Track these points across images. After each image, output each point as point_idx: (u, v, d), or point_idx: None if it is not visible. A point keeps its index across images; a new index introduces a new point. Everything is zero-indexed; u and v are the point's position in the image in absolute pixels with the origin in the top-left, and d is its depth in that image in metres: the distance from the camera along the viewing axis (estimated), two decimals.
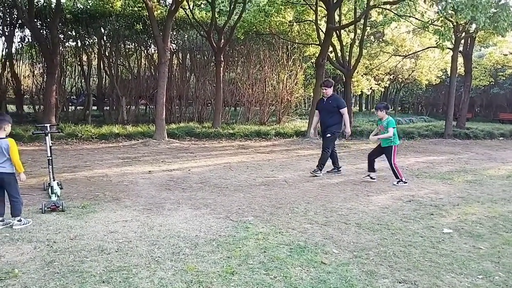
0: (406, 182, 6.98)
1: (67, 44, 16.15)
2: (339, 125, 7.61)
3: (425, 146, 13.53)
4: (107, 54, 16.11)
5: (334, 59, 16.76)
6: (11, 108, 16.35)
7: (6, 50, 14.84)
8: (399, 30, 20.60)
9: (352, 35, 17.42)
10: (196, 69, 17.27)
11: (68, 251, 3.68)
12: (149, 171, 7.71)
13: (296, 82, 18.29)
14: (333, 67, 18.83)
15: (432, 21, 13.98)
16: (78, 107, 17.64)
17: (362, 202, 5.71)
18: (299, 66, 18.24)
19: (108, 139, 12.14)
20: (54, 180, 5.57)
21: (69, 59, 16.33)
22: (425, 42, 21.19)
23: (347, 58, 16.75)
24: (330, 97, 7.64)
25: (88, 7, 16.14)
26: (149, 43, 16.69)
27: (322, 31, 15.02)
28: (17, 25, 14.83)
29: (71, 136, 11.86)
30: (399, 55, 22.46)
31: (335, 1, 13.78)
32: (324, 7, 14.37)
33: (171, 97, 16.22)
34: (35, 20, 13.51)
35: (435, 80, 26.28)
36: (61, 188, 5.76)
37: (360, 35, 16.22)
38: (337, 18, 15.65)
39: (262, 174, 7.77)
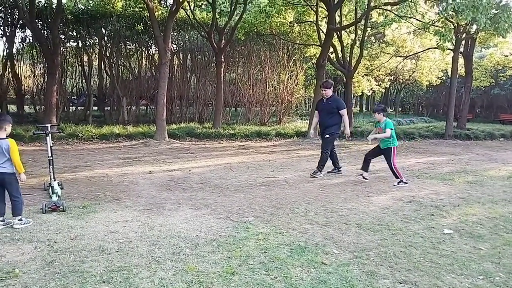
0: (406, 183, 6.97)
1: (68, 44, 16.19)
2: (338, 126, 7.61)
3: (425, 146, 13.53)
4: (108, 55, 16.12)
5: (335, 59, 16.77)
6: (12, 108, 16.37)
7: (7, 50, 14.87)
8: (400, 31, 20.61)
9: (352, 36, 17.43)
10: (197, 69, 17.28)
11: (68, 251, 3.69)
12: (150, 172, 7.71)
13: (297, 82, 18.30)
14: (333, 68, 18.84)
15: (433, 22, 13.97)
16: (79, 108, 17.66)
17: (362, 203, 5.71)
18: (299, 66, 18.25)
19: (108, 139, 12.15)
20: (54, 180, 5.57)
21: (70, 59, 16.35)
22: (425, 43, 21.20)
23: (348, 59, 16.76)
24: (330, 98, 7.64)
25: (89, 7, 16.17)
26: (150, 44, 16.71)
27: (322, 32, 15.02)
28: (18, 25, 14.85)
29: (71, 136, 11.87)
30: (400, 56, 22.46)
31: (335, 2, 13.78)
32: (325, 8, 14.37)
33: (172, 98, 16.23)
34: (36, 20, 13.52)
35: (435, 81, 26.29)
36: (61, 188, 5.77)
37: (361, 36, 16.23)
38: (337, 19, 15.65)
39: (263, 174, 7.77)
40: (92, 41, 16.39)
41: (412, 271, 3.44)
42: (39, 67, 15.63)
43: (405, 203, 5.74)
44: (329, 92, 7.62)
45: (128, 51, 16.63)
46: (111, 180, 6.83)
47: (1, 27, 15.05)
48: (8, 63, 14.86)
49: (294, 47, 18.00)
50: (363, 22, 15.55)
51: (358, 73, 21.20)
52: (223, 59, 14.95)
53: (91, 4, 16.64)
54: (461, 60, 17.96)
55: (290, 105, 18.55)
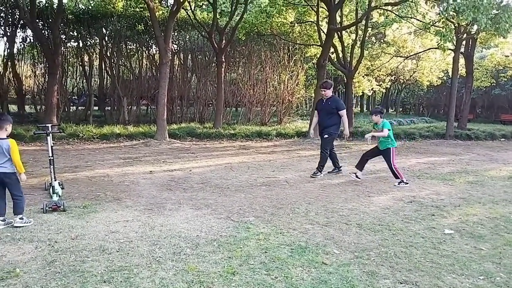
0: (407, 183, 6.97)
1: (68, 44, 16.20)
2: (337, 126, 7.59)
3: (426, 147, 13.52)
4: (109, 55, 16.14)
5: (336, 60, 16.77)
6: (13, 108, 16.39)
7: (8, 50, 14.90)
8: (401, 31, 20.60)
9: (353, 36, 17.43)
10: (198, 69, 17.29)
11: (69, 251, 3.69)
12: (150, 171, 7.72)
13: (297, 82, 18.30)
14: (334, 68, 18.84)
15: (434, 22, 13.97)
16: (79, 107, 17.68)
17: (363, 203, 5.70)
18: (300, 67, 18.25)
19: (109, 139, 12.16)
20: (55, 180, 5.57)
21: (70, 59, 16.37)
22: (426, 43, 21.18)
23: (349, 59, 16.76)
24: (330, 98, 7.64)
25: (90, 7, 16.19)
26: (150, 44, 16.73)
27: (323, 32, 15.02)
28: (19, 25, 14.87)
29: (72, 136, 11.88)
30: (401, 56, 22.47)
31: (336, 2, 13.78)
32: (326, 8, 14.37)
33: (173, 98, 16.23)
34: (37, 20, 13.54)
35: (436, 81, 26.29)
36: (62, 188, 5.77)
37: (362, 36, 16.23)
38: (338, 19, 15.64)
39: (263, 174, 7.77)
40: (93, 41, 16.41)
41: (413, 271, 3.44)
42: (40, 67, 15.66)
43: (406, 203, 5.73)
44: (329, 93, 7.62)
45: (128, 51, 16.65)
46: (112, 180, 6.84)
47: (2, 27, 15.08)
48: (9, 63, 14.90)
49: (294, 47, 18.00)
50: (363, 22, 15.55)
51: (358, 73, 21.20)
52: (223, 59, 14.95)
53: (92, 4, 16.66)
54: (461, 61, 17.95)
55: (291, 105, 18.55)
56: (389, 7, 14.12)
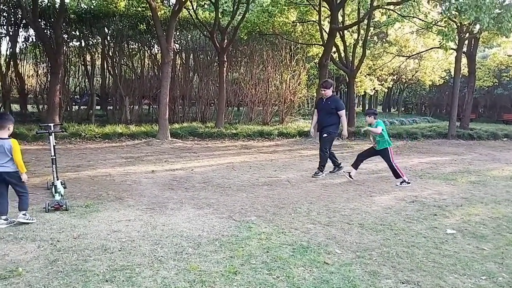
0: (409, 182, 6.96)
1: (71, 44, 16.23)
2: (336, 125, 7.58)
3: (428, 146, 13.50)
4: (111, 54, 16.16)
5: (338, 59, 16.74)
6: (15, 107, 16.42)
7: (10, 49, 14.94)
8: (403, 31, 20.55)
9: (355, 35, 17.39)
10: (199, 69, 17.30)
11: (71, 250, 3.70)
12: (152, 171, 7.73)
13: (299, 82, 18.29)
14: (336, 68, 18.83)
15: (436, 21, 13.93)
16: (81, 107, 17.72)
17: (365, 203, 5.70)
18: (302, 66, 18.24)
19: (111, 138, 12.18)
20: (57, 179, 5.57)
21: (72, 59, 16.40)
22: (428, 42, 21.13)
23: (351, 58, 16.73)
24: (329, 98, 7.63)
25: (92, 7, 16.20)
26: (152, 43, 16.74)
27: (325, 31, 15.01)
28: (21, 25, 14.90)
29: (74, 135, 11.90)
30: (403, 56, 22.42)
31: (338, 1, 13.77)
32: (328, 7, 14.37)
33: (174, 97, 16.25)
34: (39, 20, 13.57)
35: (438, 80, 26.21)
36: (64, 187, 5.78)
37: (364, 36, 16.20)
38: (340, 18, 15.63)
39: (265, 174, 7.77)
40: (95, 40, 16.45)
41: (415, 271, 3.44)
42: (42, 67, 15.69)
43: (408, 203, 5.73)
44: (329, 92, 7.61)
45: (130, 50, 16.68)
46: (114, 180, 6.85)
47: (5, 27, 15.12)
48: (11, 63, 14.92)
49: (296, 47, 18.00)
50: (366, 21, 15.52)
51: (360, 73, 21.16)
52: (225, 59, 14.95)
53: (94, 4, 16.68)
54: (464, 60, 17.91)
55: (293, 105, 18.54)
56: (391, 7, 14.09)
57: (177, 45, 16.99)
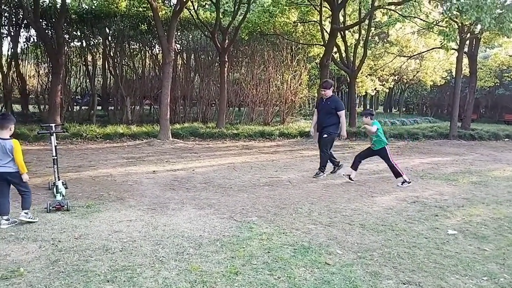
0: (410, 182, 6.96)
1: (72, 44, 16.22)
2: (336, 126, 7.56)
3: (429, 147, 13.49)
4: (112, 54, 16.16)
5: (339, 59, 16.75)
6: (16, 107, 16.43)
7: (12, 50, 14.94)
8: (404, 31, 20.55)
9: (356, 35, 17.42)
10: (201, 69, 17.30)
11: (72, 250, 3.70)
12: (154, 171, 7.73)
13: (300, 82, 18.28)
14: (337, 68, 18.83)
15: (437, 22, 13.93)
16: (83, 107, 17.71)
17: (366, 203, 5.70)
18: (303, 66, 18.24)
19: (112, 139, 12.18)
20: (59, 180, 5.59)
21: (74, 59, 16.39)
22: (430, 43, 21.13)
23: (352, 58, 16.74)
24: (329, 98, 7.62)
25: (93, 7, 16.21)
26: (153, 44, 16.75)
27: (326, 31, 15.01)
28: (23, 25, 14.90)
29: (76, 135, 11.91)
30: (404, 56, 22.41)
31: (339, 1, 13.77)
32: (329, 7, 14.36)
33: (176, 97, 16.25)
34: (41, 20, 13.58)
35: (440, 81, 26.19)
36: (66, 188, 5.79)
37: (365, 36, 16.22)
38: (341, 18, 15.65)
39: (266, 174, 7.77)
40: (96, 40, 16.44)
41: (416, 272, 3.43)
42: (43, 67, 15.69)
43: (409, 204, 5.72)
44: (329, 92, 7.61)
45: (132, 50, 16.68)
46: (115, 180, 6.85)
47: (6, 27, 15.11)
48: (13, 63, 14.93)
49: (297, 47, 17.99)
50: (367, 22, 15.53)
51: (361, 73, 21.16)
52: (226, 59, 14.95)
53: (95, 4, 16.68)
54: (465, 60, 17.89)
55: (294, 105, 18.54)
56: (393, 7, 14.09)
57: (178, 45, 16.99)
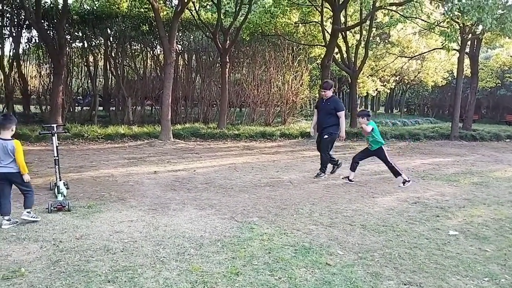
0: (409, 180, 6.97)
1: (73, 45, 16.25)
2: (336, 126, 7.54)
3: (431, 147, 13.47)
4: (113, 55, 16.18)
5: (340, 60, 16.74)
6: (18, 108, 16.45)
7: (14, 50, 14.97)
8: (405, 32, 20.56)
9: (357, 36, 17.40)
10: (202, 70, 17.31)
11: (74, 250, 3.71)
12: (155, 172, 7.74)
13: (302, 83, 18.28)
14: (338, 68, 18.81)
15: (438, 22, 13.93)
16: (84, 108, 17.73)
17: (367, 204, 5.69)
18: (304, 67, 18.23)
19: (114, 139, 12.19)
20: (60, 180, 5.60)
21: (75, 59, 16.41)
22: (431, 43, 21.13)
23: (353, 59, 16.73)
24: (329, 99, 7.62)
25: (95, 8, 16.25)
26: (155, 44, 16.75)
27: (327, 32, 15.01)
28: (25, 26, 14.93)
29: (77, 136, 11.92)
30: (405, 57, 22.40)
31: (341, 2, 13.77)
32: (330, 8, 14.37)
33: (177, 98, 16.25)
34: (42, 21, 13.60)
35: (441, 81, 26.19)
36: (67, 188, 5.80)
37: (366, 36, 16.21)
38: (342, 19, 15.64)
39: (267, 175, 7.77)
40: (98, 41, 16.46)
41: (417, 273, 3.43)
42: (45, 68, 15.72)
43: (410, 204, 5.72)
44: (329, 93, 7.60)
45: (133, 51, 16.69)
46: (116, 180, 6.86)
47: (8, 28, 15.16)
48: (15, 64, 14.96)
49: (299, 48, 17.99)
50: (368, 22, 15.52)
51: (363, 74, 21.17)
52: (228, 60, 14.96)
53: (97, 5, 16.73)
54: (466, 61, 17.88)
55: (295, 106, 18.53)
56: (394, 7, 14.09)
57: (179, 46, 17.00)
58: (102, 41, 16.32)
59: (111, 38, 16.17)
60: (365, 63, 16.92)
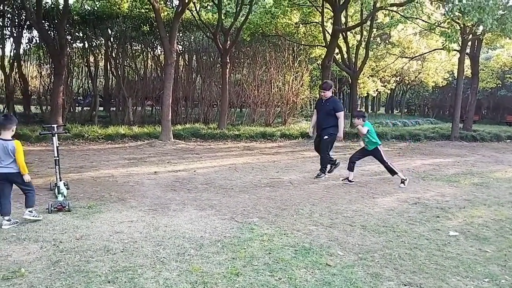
0: (406, 179, 7.01)
1: (74, 45, 16.27)
2: (335, 127, 7.51)
3: (431, 148, 13.47)
4: (114, 55, 16.19)
5: (340, 60, 16.74)
6: (19, 108, 16.47)
7: (14, 51, 14.98)
8: (406, 32, 20.55)
9: (358, 36, 17.41)
10: (202, 70, 17.31)
11: (74, 251, 3.71)
12: (155, 172, 7.74)
13: (302, 83, 18.28)
14: (339, 69, 18.81)
15: (439, 23, 13.92)
16: (85, 108, 17.74)
17: (367, 204, 5.69)
18: (305, 67, 18.23)
19: (114, 139, 12.19)
20: (60, 180, 5.60)
21: (76, 60, 16.42)
22: (431, 44, 21.11)
23: (353, 59, 16.73)
24: (329, 99, 7.61)
25: (95, 8, 16.25)
26: (155, 45, 16.76)
27: (328, 32, 15.01)
28: (25, 26, 14.94)
29: (77, 136, 11.93)
30: (406, 57, 22.39)
31: (341, 2, 13.76)
32: (331, 8, 14.37)
33: (177, 98, 16.26)
34: (43, 21, 13.61)
35: (441, 82, 26.17)
36: (67, 188, 5.80)
37: (367, 37, 16.21)
38: (343, 19, 15.64)
39: (267, 175, 7.77)
40: (98, 42, 16.47)
41: (417, 273, 3.43)
42: (45, 68, 15.72)
43: (410, 205, 5.72)
44: (328, 94, 7.59)
45: (134, 52, 16.70)
46: (117, 181, 6.86)
47: (9, 28, 15.17)
48: (15, 64, 14.97)
49: (299, 48, 17.99)
50: (368, 23, 15.52)
51: (363, 74, 21.15)
52: (228, 60, 14.96)
53: (97, 5, 16.72)
54: (467, 61, 17.87)
55: (295, 106, 18.53)
56: (394, 8, 14.09)
57: (180, 47, 17.01)
58: (103, 42, 16.33)
59: (111, 39, 16.17)
60: (365, 63, 16.92)
